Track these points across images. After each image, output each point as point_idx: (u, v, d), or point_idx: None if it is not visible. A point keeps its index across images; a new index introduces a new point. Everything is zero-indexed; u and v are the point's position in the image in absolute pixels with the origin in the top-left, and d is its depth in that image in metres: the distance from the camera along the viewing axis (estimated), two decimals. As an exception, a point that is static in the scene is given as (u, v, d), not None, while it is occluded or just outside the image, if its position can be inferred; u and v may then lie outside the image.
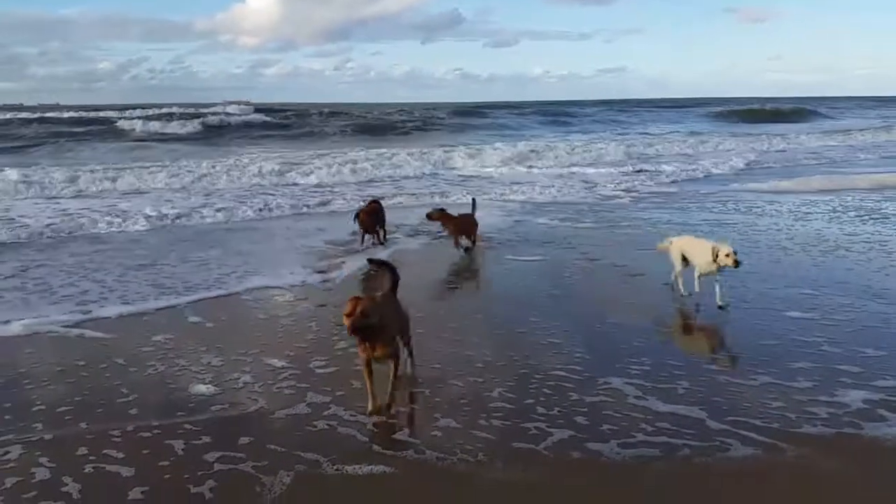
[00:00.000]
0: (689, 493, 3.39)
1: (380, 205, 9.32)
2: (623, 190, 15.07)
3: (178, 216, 11.49)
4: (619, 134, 34.71)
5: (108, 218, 11.03)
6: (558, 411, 4.18)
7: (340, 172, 17.24)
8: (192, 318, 6.15)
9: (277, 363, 5.02)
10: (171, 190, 14.93)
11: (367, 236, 8.96)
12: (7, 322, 5.97)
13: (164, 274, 7.68)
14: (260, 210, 12.27)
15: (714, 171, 18.67)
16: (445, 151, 21.59)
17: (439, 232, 9.28)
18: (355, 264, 8.09)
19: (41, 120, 35.50)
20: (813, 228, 9.95)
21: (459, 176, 18.11)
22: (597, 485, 3.44)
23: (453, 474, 3.53)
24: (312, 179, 16.46)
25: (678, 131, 35.94)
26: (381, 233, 9.19)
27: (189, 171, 16.78)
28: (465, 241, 8.70)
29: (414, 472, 3.56)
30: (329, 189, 15.18)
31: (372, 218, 8.95)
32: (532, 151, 22.59)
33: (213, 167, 17.56)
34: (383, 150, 22.17)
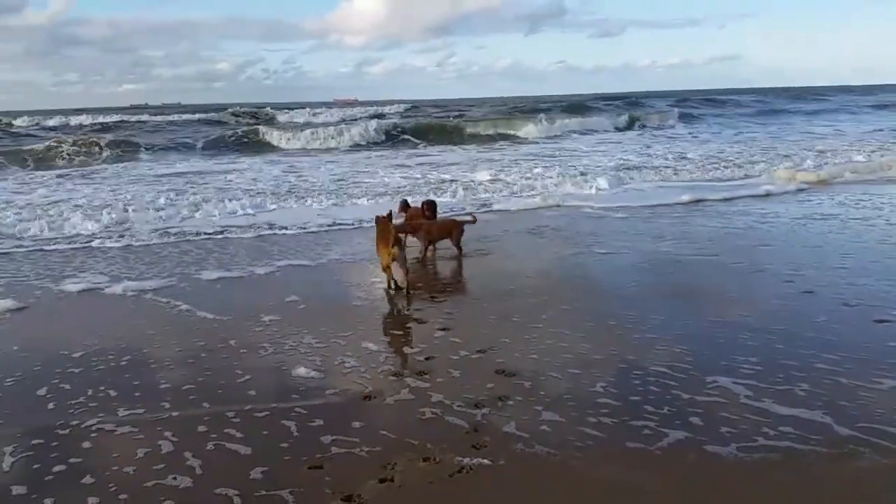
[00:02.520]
0: (820, 501, 3.21)
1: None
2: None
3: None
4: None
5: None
6: (668, 410, 4.05)
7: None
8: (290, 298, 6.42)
9: (373, 347, 5.17)
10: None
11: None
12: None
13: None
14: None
15: None
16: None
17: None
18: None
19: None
20: None
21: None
22: (718, 489, 3.31)
23: (565, 471, 3.48)
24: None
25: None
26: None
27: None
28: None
29: (525, 466, 3.53)
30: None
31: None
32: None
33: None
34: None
